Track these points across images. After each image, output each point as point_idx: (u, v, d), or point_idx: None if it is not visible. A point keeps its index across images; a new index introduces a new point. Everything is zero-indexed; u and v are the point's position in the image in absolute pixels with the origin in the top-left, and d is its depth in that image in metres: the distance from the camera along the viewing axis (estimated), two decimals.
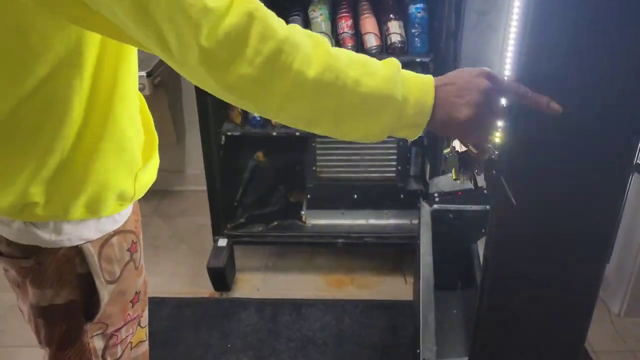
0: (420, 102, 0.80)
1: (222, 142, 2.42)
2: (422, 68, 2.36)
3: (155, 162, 1.16)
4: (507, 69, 1.97)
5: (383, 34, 2.26)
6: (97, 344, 1.14)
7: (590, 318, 1.22)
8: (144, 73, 2.65)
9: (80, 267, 1.07)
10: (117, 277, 1.11)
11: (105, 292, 1.10)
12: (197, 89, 2.24)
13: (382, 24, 2.28)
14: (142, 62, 2.87)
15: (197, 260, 2.66)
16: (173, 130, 3.03)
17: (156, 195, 3.27)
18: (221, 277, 2.44)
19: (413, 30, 2.26)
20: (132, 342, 1.22)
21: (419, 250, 1.94)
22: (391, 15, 2.27)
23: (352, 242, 2.53)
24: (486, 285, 1.18)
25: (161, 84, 2.77)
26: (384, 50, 2.26)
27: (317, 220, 2.59)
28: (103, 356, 1.15)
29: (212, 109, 2.29)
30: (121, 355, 1.18)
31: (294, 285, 2.59)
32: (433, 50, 2.25)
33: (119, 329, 1.16)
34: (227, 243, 2.51)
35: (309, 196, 2.58)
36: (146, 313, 1.27)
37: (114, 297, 1.12)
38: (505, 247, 1.14)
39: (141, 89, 2.70)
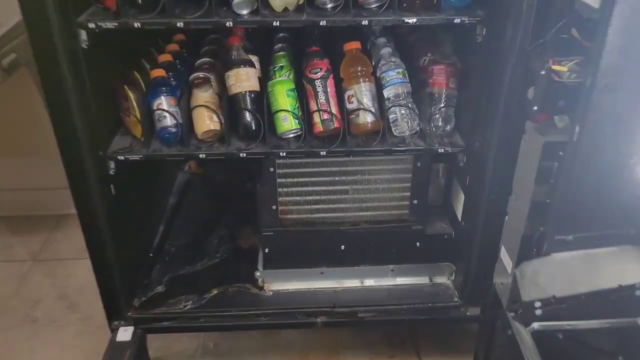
0: None
1: (112, 172, 1.38)
2: (466, 29, 1.34)
3: None
4: None
5: None
6: None
7: None
8: None
9: None
10: None
11: None
12: (43, 79, 1.20)
13: None
14: None
15: (95, 341, 1.69)
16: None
17: (46, 223, 2.24)
18: None
19: None
20: None
21: None
22: None
23: (338, 320, 1.57)
24: None
25: (17, 64, 1.70)
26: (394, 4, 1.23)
27: (281, 285, 1.61)
28: None
29: (79, 115, 1.23)
30: None
31: None
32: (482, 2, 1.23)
33: None
34: (133, 334, 1.51)
35: (267, 250, 1.58)
36: None
37: None
38: None
39: None
